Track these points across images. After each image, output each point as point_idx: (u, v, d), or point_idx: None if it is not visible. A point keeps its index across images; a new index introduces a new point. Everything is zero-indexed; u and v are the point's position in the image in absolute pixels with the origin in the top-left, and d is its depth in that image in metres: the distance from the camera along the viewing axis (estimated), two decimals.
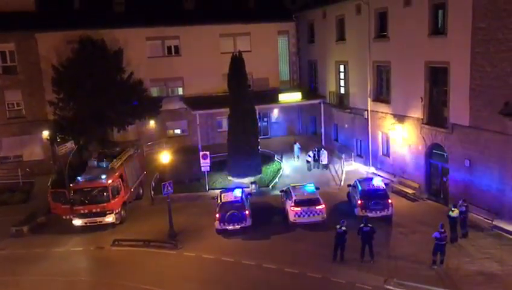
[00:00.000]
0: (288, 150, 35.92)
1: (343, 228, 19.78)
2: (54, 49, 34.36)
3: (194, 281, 19.24)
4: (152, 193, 29.55)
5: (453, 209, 21.20)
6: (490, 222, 22.06)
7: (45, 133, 34.45)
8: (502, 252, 19.68)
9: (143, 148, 34.02)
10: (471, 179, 23.45)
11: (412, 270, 18.69)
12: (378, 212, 23.14)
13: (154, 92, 38.51)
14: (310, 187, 24.74)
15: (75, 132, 31.83)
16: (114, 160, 27.27)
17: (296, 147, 34.85)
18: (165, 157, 27.84)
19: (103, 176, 25.17)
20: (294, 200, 23.56)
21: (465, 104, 23.28)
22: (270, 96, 36.14)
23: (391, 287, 17.62)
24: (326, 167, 32.85)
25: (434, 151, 26.37)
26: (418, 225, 23.04)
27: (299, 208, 23.34)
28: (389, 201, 23.40)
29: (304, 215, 23.35)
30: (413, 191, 27.06)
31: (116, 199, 25.35)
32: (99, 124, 32.53)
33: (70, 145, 29.00)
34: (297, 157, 34.65)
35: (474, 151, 23.15)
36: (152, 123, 38.08)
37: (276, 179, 30.94)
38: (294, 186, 25.32)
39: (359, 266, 19.38)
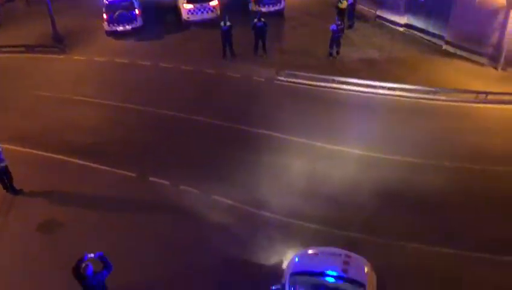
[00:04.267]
0: None
1: (228, 24, 19.65)
2: None
3: (90, 83, 18.65)
4: None
5: (341, 1, 21.86)
6: (374, 12, 23.28)
7: None
8: (382, 40, 21.35)
9: None
10: None
11: (302, 62, 19.67)
12: (271, 6, 23.22)
13: None
14: None
15: None
16: None
17: None
18: None
19: None
20: None
21: None
22: None
23: (282, 78, 18.64)
24: None
25: None
26: (308, 17, 23.75)
27: (191, 5, 22.58)
28: None
29: (197, 13, 22.74)
30: None
31: None
32: None
33: None
34: None
35: None
36: None
37: None
38: None
39: (253, 61, 19.95)
